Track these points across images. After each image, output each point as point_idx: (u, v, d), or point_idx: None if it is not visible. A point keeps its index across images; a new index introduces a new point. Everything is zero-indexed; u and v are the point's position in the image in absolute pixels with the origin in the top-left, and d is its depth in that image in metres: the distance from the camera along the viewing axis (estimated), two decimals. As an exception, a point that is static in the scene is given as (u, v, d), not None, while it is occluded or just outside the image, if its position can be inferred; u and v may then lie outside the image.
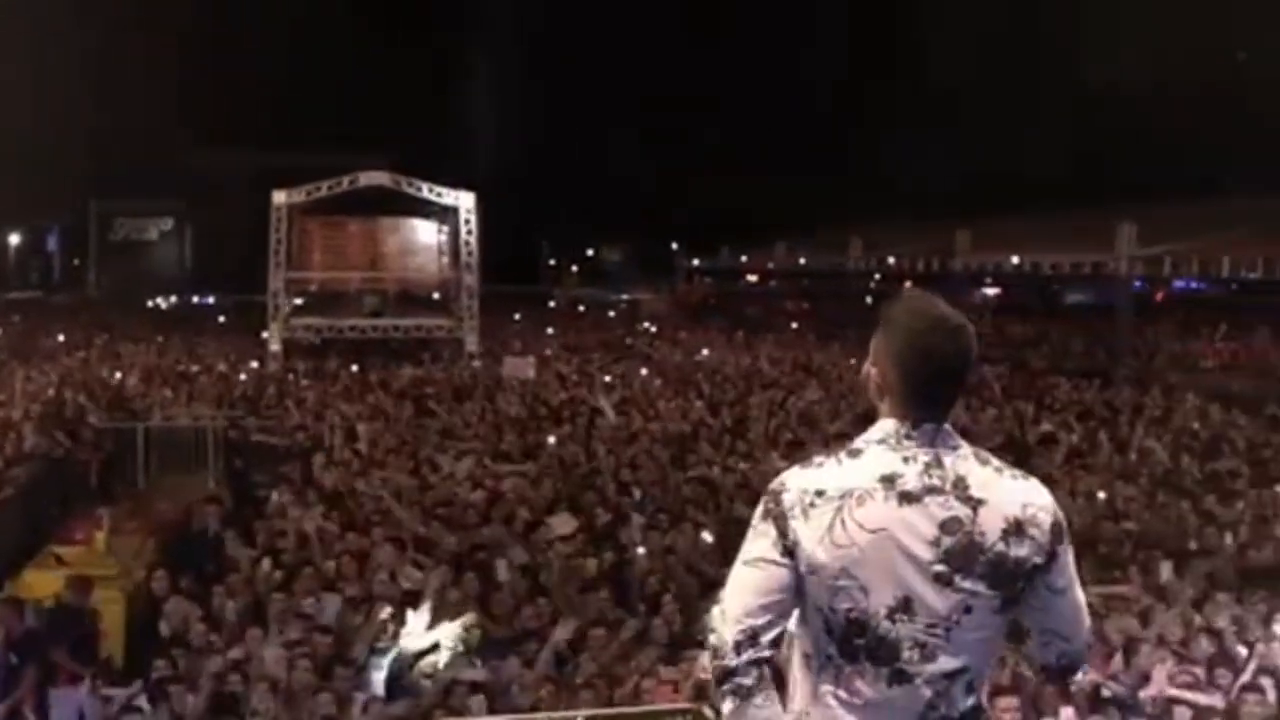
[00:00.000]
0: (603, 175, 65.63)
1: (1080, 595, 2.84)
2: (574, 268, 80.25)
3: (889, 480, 2.66)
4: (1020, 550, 2.67)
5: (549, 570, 11.14)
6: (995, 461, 2.77)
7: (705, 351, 35.04)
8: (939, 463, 2.69)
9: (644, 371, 28.38)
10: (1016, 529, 2.68)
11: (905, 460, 2.69)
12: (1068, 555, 2.78)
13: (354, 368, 27.57)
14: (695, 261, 68.64)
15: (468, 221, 33.56)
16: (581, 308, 62.08)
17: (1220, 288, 34.54)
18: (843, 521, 2.63)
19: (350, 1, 59.27)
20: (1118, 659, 9.27)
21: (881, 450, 2.71)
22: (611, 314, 58.52)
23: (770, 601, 2.68)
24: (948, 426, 2.76)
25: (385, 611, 9.20)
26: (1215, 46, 39.52)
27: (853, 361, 31.81)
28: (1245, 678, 8.80)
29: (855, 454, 2.73)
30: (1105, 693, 8.54)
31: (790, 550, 2.67)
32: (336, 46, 58.50)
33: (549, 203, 66.08)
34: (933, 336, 2.72)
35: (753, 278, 66.06)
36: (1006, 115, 48.88)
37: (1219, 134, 37.93)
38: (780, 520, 2.69)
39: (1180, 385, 26.67)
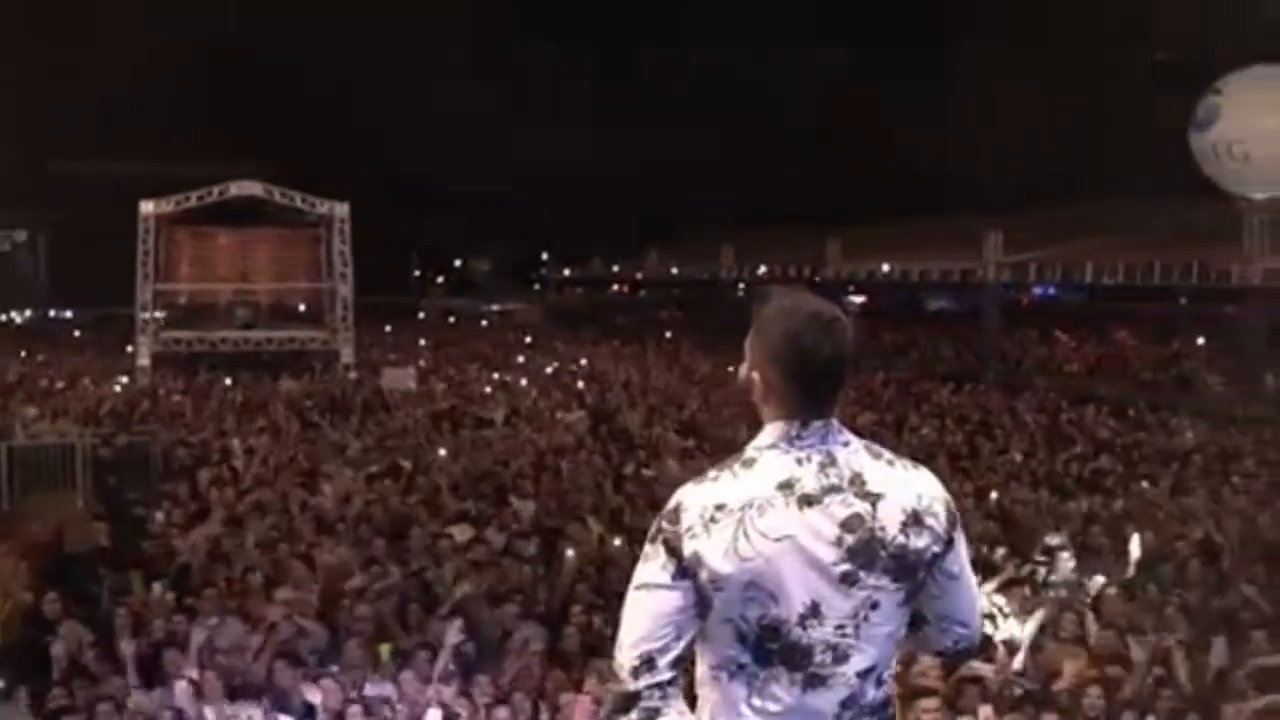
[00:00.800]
0: (471, 184, 64.99)
1: (973, 580, 2.88)
2: (439, 279, 79.47)
3: (787, 486, 2.64)
4: (920, 541, 2.69)
5: (455, 582, 10.95)
6: (887, 454, 2.77)
7: (584, 361, 35.01)
8: (833, 461, 2.68)
9: (524, 382, 28.23)
10: (915, 520, 2.69)
11: (800, 463, 2.66)
12: (962, 541, 2.80)
13: (227, 381, 26.92)
14: (566, 271, 68.49)
15: (342, 232, 33.00)
16: (452, 319, 61.59)
17: (1081, 293, 35.55)
18: (745, 533, 2.60)
19: (218, 8, 57.66)
20: (1021, 656, 9.45)
21: (775, 455, 2.68)
22: (484, 324, 58.20)
23: (664, 626, 2.63)
24: (835, 422, 2.73)
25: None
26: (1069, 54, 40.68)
27: (731, 369, 32.07)
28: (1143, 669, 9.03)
29: (749, 463, 2.69)
30: (1017, 690, 8.70)
31: (684, 571, 2.62)
32: (206, 54, 56.93)
33: (414, 212, 65.11)
34: (808, 334, 2.68)
35: (624, 287, 66.13)
36: (877, 124, 49.75)
37: (1081, 144, 39.14)
38: (672, 541, 2.64)
39: (1049, 388, 27.40)
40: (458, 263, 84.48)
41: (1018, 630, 9.92)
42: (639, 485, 15.64)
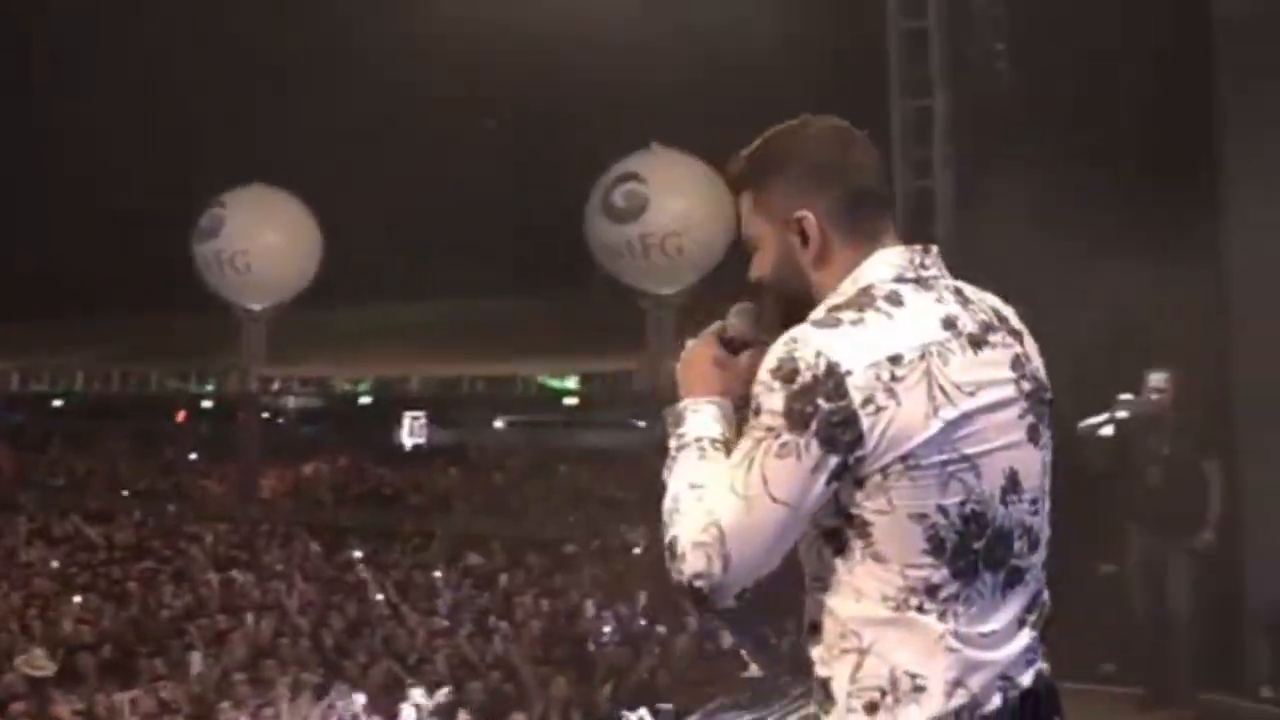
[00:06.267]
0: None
1: None
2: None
3: (951, 324, 2.03)
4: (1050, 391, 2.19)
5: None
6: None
7: None
8: (965, 296, 2.11)
9: None
10: (1040, 358, 2.20)
11: (939, 300, 2.06)
12: None
13: None
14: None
15: None
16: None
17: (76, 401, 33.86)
18: (941, 388, 1.95)
19: None
20: None
21: (913, 290, 2.05)
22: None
23: (782, 549, 1.98)
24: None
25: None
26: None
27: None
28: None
29: (895, 299, 2.02)
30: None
31: (845, 466, 1.93)
32: None
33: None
34: (845, 133, 2.17)
35: None
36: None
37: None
38: (844, 428, 1.91)
39: (42, 502, 25.99)
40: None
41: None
42: None
